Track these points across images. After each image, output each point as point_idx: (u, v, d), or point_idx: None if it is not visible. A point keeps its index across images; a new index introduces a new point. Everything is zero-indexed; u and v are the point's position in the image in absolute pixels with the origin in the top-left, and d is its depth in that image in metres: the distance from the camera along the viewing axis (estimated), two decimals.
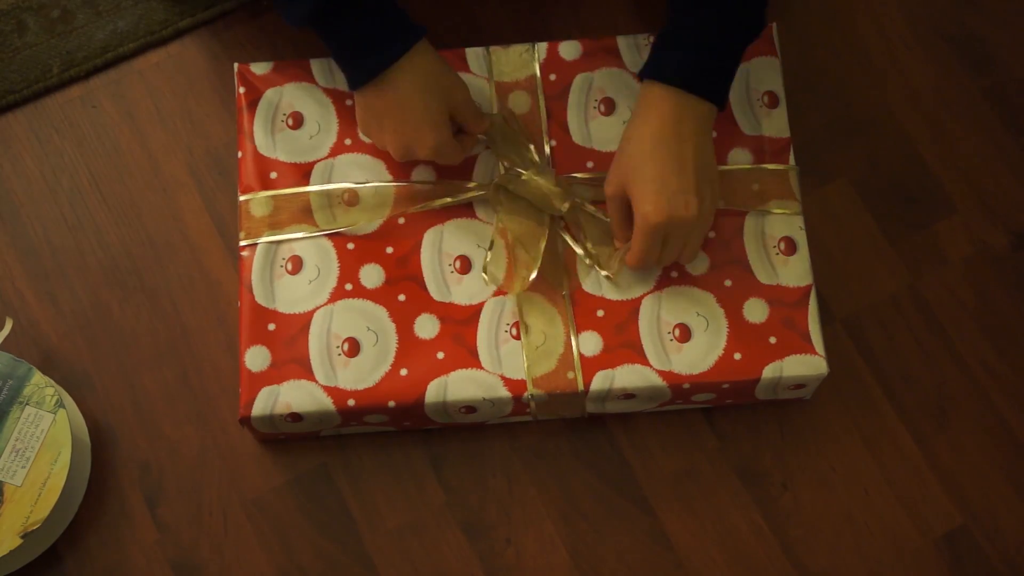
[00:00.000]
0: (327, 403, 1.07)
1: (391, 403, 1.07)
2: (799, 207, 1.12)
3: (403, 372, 1.08)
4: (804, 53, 1.26)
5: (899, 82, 1.25)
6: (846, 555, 1.12)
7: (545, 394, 1.08)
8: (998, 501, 1.13)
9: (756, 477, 1.14)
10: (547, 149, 1.13)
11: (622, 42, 1.17)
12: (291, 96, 1.16)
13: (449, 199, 1.11)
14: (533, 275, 1.08)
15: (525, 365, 1.08)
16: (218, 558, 1.12)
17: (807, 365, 1.08)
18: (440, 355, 1.08)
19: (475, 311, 1.10)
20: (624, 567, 1.12)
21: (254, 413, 1.07)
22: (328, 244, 1.12)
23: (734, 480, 1.14)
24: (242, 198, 1.13)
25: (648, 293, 1.10)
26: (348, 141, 1.14)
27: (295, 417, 1.08)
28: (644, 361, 1.08)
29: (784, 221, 1.12)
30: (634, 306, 1.10)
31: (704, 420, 1.15)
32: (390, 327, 1.09)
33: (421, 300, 1.10)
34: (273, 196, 1.13)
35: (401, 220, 1.12)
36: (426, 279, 1.11)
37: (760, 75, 1.16)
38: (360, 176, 1.13)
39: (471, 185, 1.12)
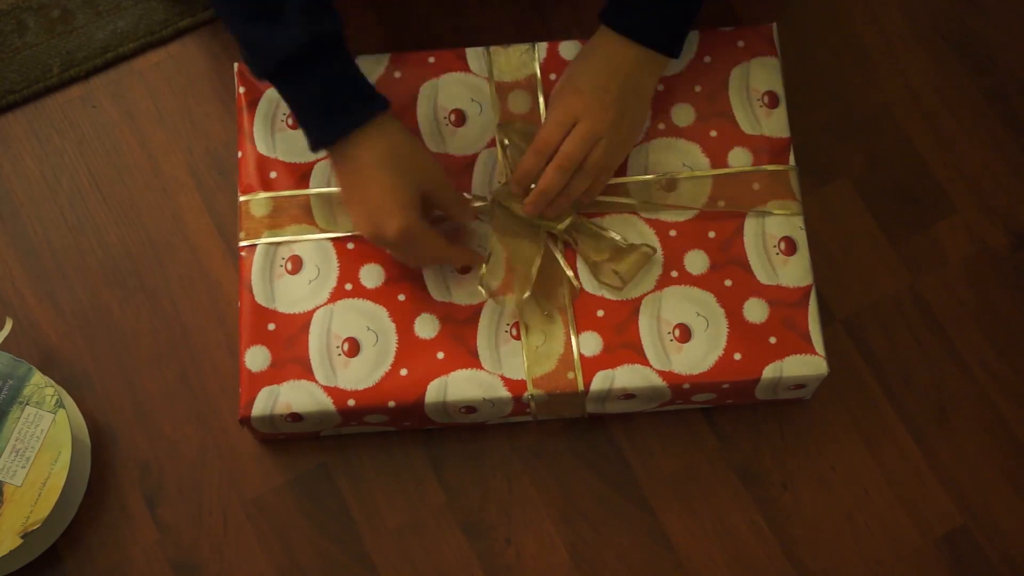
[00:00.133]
0: (327, 403, 1.07)
1: (391, 403, 1.07)
2: (799, 207, 1.12)
3: (403, 372, 1.08)
4: (804, 53, 1.26)
5: (899, 82, 1.25)
6: (846, 555, 1.12)
7: (545, 394, 1.08)
8: (998, 501, 1.13)
9: (756, 477, 1.14)
10: None
11: None
12: None
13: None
14: (526, 294, 1.08)
15: (525, 365, 1.08)
16: (218, 558, 1.12)
17: (807, 365, 1.08)
18: (440, 355, 1.08)
19: (475, 311, 1.10)
20: (624, 567, 1.12)
21: (254, 413, 1.07)
22: (328, 244, 1.12)
23: (734, 480, 1.14)
24: (242, 198, 1.13)
25: (648, 293, 1.10)
26: None
27: (295, 417, 1.08)
28: (644, 361, 1.08)
29: (784, 221, 1.12)
30: (634, 306, 1.10)
31: (704, 420, 1.15)
32: (390, 327, 1.09)
33: (421, 300, 1.10)
34: (273, 196, 1.13)
35: None
36: (426, 279, 1.11)
37: (760, 75, 1.16)
38: None
39: (467, 197, 1.12)
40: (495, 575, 1.11)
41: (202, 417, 1.15)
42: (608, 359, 1.08)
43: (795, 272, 1.11)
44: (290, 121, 1.15)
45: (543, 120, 1.13)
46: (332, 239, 1.12)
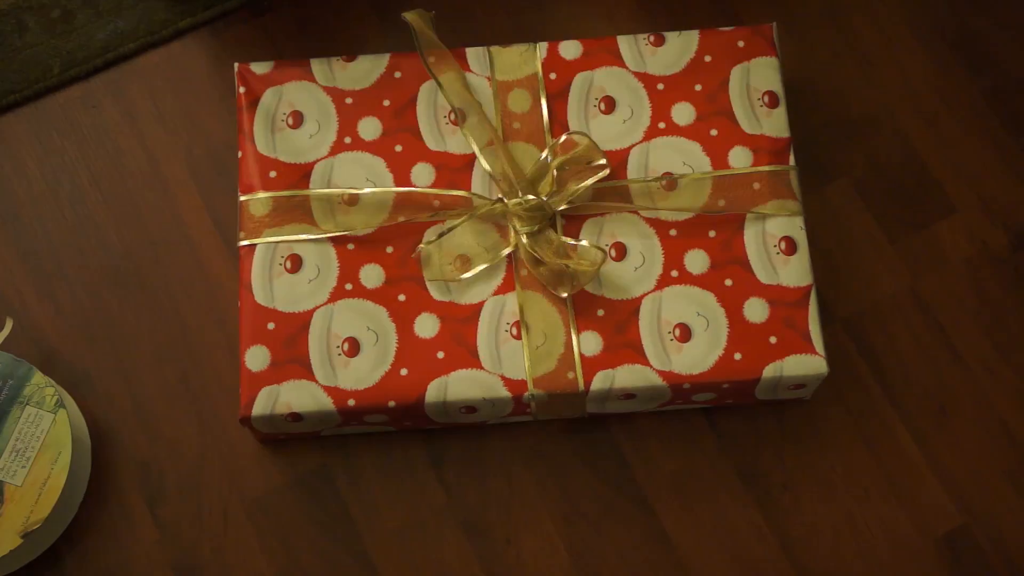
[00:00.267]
0: (327, 403, 1.07)
1: (391, 403, 1.08)
2: (799, 207, 1.12)
3: (403, 372, 1.08)
4: (804, 53, 1.26)
5: (899, 82, 1.25)
6: (846, 555, 1.12)
7: (545, 394, 1.08)
8: (998, 501, 1.13)
9: (756, 477, 1.14)
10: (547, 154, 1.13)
11: (622, 42, 1.17)
12: (291, 96, 1.16)
13: (446, 218, 1.11)
14: (477, 269, 1.09)
15: (525, 365, 1.08)
16: (218, 558, 1.12)
17: (807, 365, 1.08)
18: (440, 355, 1.08)
19: (475, 311, 1.10)
20: (624, 567, 1.12)
21: (254, 413, 1.07)
22: (328, 244, 1.12)
23: (734, 480, 1.14)
24: (242, 198, 1.13)
25: (648, 293, 1.10)
26: (348, 139, 1.14)
27: (295, 417, 1.08)
28: (644, 361, 1.08)
29: (784, 221, 1.12)
30: (634, 306, 1.10)
31: (704, 420, 1.15)
32: (390, 327, 1.09)
33: (421, 300, 1.10)
34: (273, 196, 1.13)
35: (401, 218, 1.12)
36: (426, 279, 1.11)
37: (760, 75, 1.16)
38: (360, 174, 1.13)
39: (464, 195, 1.11)
40: (495, 575, 1.11)
41: (202, 417, 1.15)
42: (608, 359, 1.08)
43: (795, 272, 1.11)
44: (290, 121, 1.15)
45: (542, 121, 1.14)
46: (332, 239, 1.12)
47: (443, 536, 1.12)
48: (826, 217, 1.21)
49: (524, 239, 1.10)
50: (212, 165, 1.22)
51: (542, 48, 1.17)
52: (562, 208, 1.11)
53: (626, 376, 1.08)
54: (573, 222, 1.12)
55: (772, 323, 1.09)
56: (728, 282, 1.11)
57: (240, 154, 1.15)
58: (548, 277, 1.09)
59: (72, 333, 1.17)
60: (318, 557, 1.12)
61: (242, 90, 1.16)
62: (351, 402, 1.07)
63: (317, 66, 1.17)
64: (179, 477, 1.14)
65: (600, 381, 1.08)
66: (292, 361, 1.08)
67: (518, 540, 1.12)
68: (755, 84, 1.16)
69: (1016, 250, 1.20)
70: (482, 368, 1.08)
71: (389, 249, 1.12)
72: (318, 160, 1.14)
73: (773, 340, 1.09)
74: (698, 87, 1.16)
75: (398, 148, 1.14)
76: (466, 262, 1.10)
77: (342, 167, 1.13)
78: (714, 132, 1.14)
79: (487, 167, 1.11)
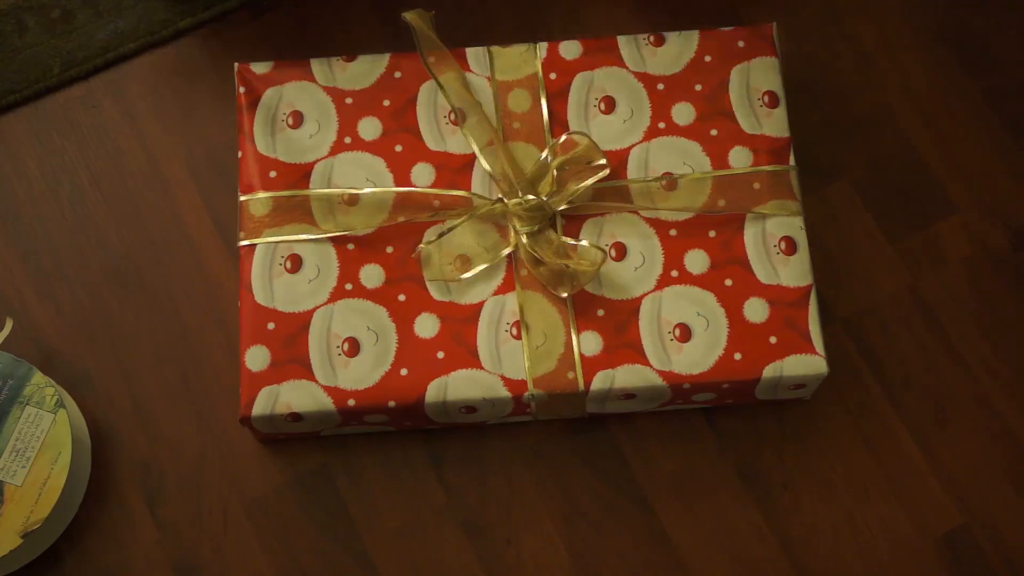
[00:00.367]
0: (327, 403, 1.07)
1: (391, 403, 1.07)
2: (799, 207, 1.12)
3: (403, 372, 1.08)
4: (804, 53, 1.26)
5: (899, 82, 1.25)
6: (846, 555, 1.12)
7: (545, 394, 1.08)
8: (998, 501, 1.13)
9: (756, 477, 1.14)
10: (547, 154, 1.13)
11: (622, 42, 1.17)
12: (291, 96, 1.16)
13: (446, 218, 1.11)
14: (477, 269, 1.09)
15: (525, 365, 1.08)
16: (218, 558, 1.12)
17: (807, 365, 1.08)
18: (440, 355, 1.08)
19: (475, 311, 1.10)
20: (624, 567, 1.12)
21: (254, 413, 1.07)
22: (328, 244, 1.12)
23: (734, 480, 1.14)
24: (242, 198, 1.13)
25: (648, 293, 1.10)
26: (348, 139, 1.14)
27: (295, 417, 1.08)
28: (644, 361, 1.08)
29: (784, 221, 1.12)
30: (634, 306, 1.10)
31: (704, 420, 1.15)
32: (390, 327, 1.09)
33: (421, 300, 1.10)
34: (273, 196, 1.13)
35: (401, 218, 1.12)
36: (426, 280, 1.11)
37: (760, 75, 1.16)
38: (360, 174, 1.13)
39: (464, 195, 1.11)
40: (495, 575, 1.11)
41: (202, 417, 1.15)
42: (608, 359, 1.08)
43: (795, 272, 1.11)
44: (290, 121, 1.15)
45: (542, 120, 1.14)
46: (332, 239, 1.12)
47: (443, 536, 1.12)
48: (826, 217, 1.21)
49: (524, 239, 1.10)
50: (212, 165, 1.22)
51: (542, 48, 1.17)
52: (562, 208, 1.11)
53: (626, 376, 1.08)
54: (573, 222, 1.12)
55: (772, 323, 1.09)
56: (728, 282, 1.11)
57: (240, 154, 1.15)
58: (548, 277, 1.09)
59: (72, 333, 1.17)
60: (318, 557, 1.12)
61: (242, 90, 1.16)
62: (351, 402, 1.07)
63: (317, 66, 1.17)
64: (179, 477, 1.14)
65: (600, 381, 1.08)
66: (292, 361, 1.08)
67: (518, 540, 1.12)
68: (755, 84, 1.16)
69: (1016, 250, 1.20)
70: (482, 368, 1.08)
71: (389, 249, 1.12)
72: (318, 160, 1.14)
73: (773, 340, 1.09)
74: (698, 87, 1.16)
75: (398, 148, 1.14)
76: (466, 262, 1.10)
77: (342, 167, 1.13)
78: (714, 132, 1.14)
79: (487, 167, 1.11)
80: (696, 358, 1.08)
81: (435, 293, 1.10)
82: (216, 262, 1.19)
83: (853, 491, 1.13)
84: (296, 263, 1.11)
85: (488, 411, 1.10)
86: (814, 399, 1.16)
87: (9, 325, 1.13)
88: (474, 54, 1.17)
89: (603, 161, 1.11)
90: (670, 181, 1.13)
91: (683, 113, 1.15)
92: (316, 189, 1.13)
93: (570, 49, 1.17)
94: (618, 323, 1.09)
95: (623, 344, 1.09)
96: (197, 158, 1.22)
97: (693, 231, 1.12)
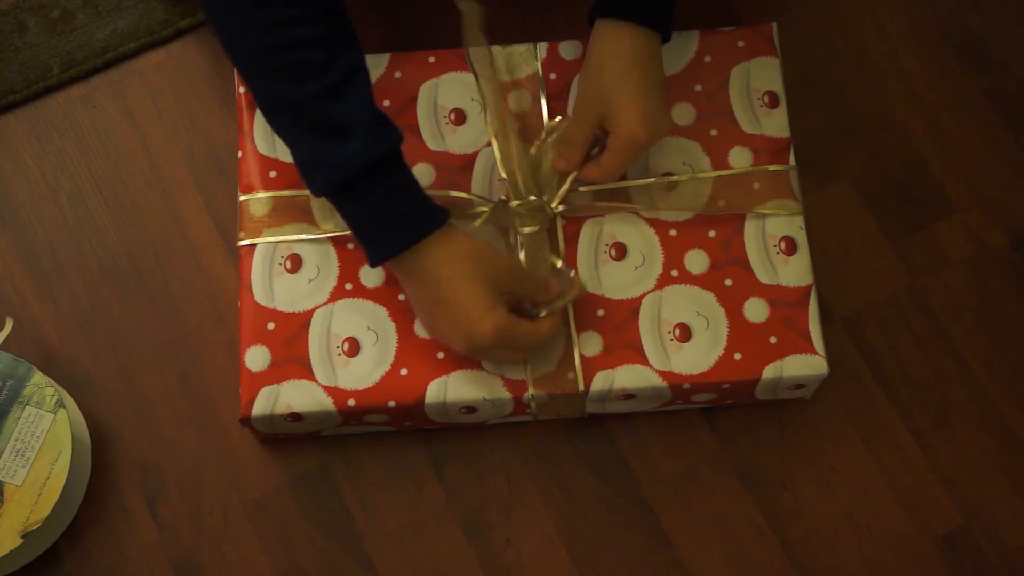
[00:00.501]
0: (327, 403, 1.07)
1: (391, 403, 1.07)
2: (799, 207, 1.12)
3: (403, 372, 1.08)
4: (804, 53, 1.26)
5: (899, 82, 1.25)
6: (846, 555, 1.12)
7: (546, 394, 1.08)
8: (998, 501, 1.13)
9: (756, 477, 1.14)
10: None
11: None
12: None
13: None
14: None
15: (526, 365, 1.08)
16: (218, 558, 1.12)
17: (807, 365, 1.08)
18: (440, 355, 1.08)
19: None
20: (624, 567, 1.12)
21: (254, 413, 1.07)
22: (328, 244, 1.12)
23: (734, 480, 1.14)
24: (242, 198, 1.13)
25: (648, 293, 1.10)
26: None
27: (295, 417, 1.08)
28: (644, 361, 1.08)
29: (784, 221, 1.12)
30: (634, 306, 1.10)
31: (704, 420, 1.15)
32: (390, 327, 1.09)
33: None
34: (273, 196, 1.13)
35: None
36: None
37: (760, 75, 1.16)
38: None
39: (466, 196, 1.11)
40: (495, 575, 1.11)
41: (202, 417, 1.15)
42: (608, 359, 1.08)
43: (795, 272, 1.11)
44: None
45: (542, 120, 1.14)
46: (332, 239, 1.12)
47: (443, 536, 1.12)
48: (826, 217, 1.21)
49: (524, 239, 1.10)
50: (212, 165, 1.22)
51: (542, 48, 1.17)
52: (561, 210, 1.11)
53: (626, 376, 1.08)
54: (573, 222, 1.12)
55: (772, 323, 1.09)
56: (728, 282, 1.10)
57: (240, 154, 1.14)
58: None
59: (72, 333, 1.17)
60: (318, 557, 1.12)
61: (242, 90, 1.16)
62: (351, 402, 1.07)
63: None
64: (179, 477, 1.14)
65: (600, 381, 1.08)
66: (292, 361, 1.08)
67: (518, 540, 1.12)
68: (755, 84, 1.16)
69: (1016, 250, 1.20)
70: (482, 368, 1.08)
71: None
72: None
73: (773, 340, 1.09)
74: (698, 87, 1.16)
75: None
76: None
77: None
78: (714, 132, 1.14)
79: (499, 162, 1.11)
80: (696, 358, 1.08)
81: None
82: (216, 262, 1.19)
83: (853, 491, 1.13)
84: (296, 263, 1.11)
85: (488, 411, 1.10)
86: (814, 399, 1.16)
87: (9, 325, 1.13)
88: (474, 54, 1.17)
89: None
90: (670, 181, 1.13)
91: (683, 113, 1.15)
92: None
93: (570, 49, 1.17)
94: (618, 323, 1.09)
95: (623, 344, 1.09)
96: (197, 158, 1.22)
97: (693, 231, 1.12)
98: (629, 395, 1.09)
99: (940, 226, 1.21)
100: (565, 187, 1.10)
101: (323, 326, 1.09)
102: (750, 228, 1.12)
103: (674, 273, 1.11)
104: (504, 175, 1.10)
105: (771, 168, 1.13)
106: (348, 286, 1.10)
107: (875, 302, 1.19)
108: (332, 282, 1.11)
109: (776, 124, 1.15)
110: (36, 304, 1.18)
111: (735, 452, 1.14)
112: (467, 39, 1.08)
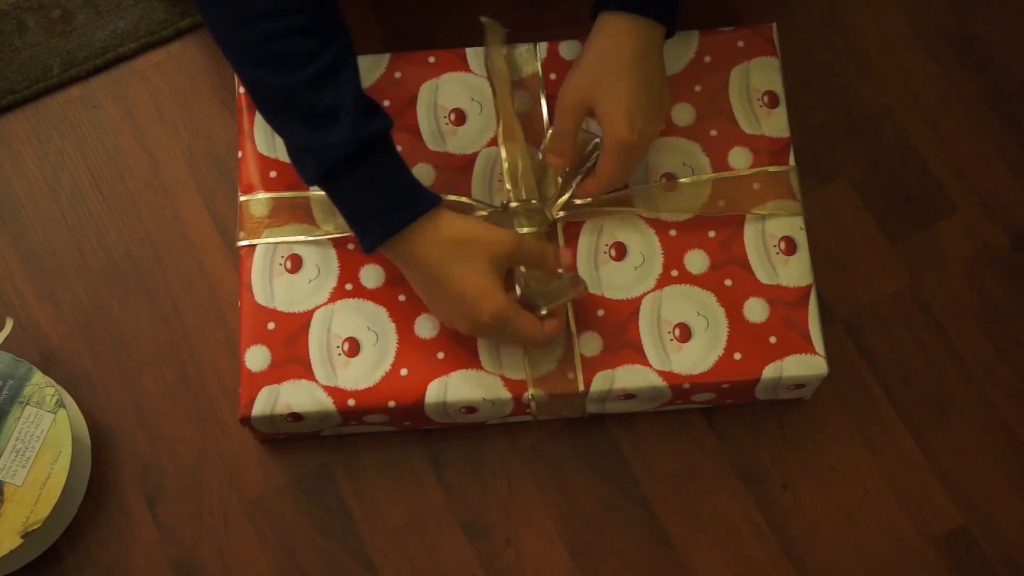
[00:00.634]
0: (327, 403, 1.07)
1: (391, 403, 1.07)
2: (799, 207, 1.12)
3: (403, 372, 1.08)
4: (804, 53, 1.26)
5: (899, 82, 1.25)
6: (846, 555, 1.12)
7: (545, 394, 1.08)
8: (998, 501, 1.13)
9: (756, 477, 1.14)
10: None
11: None
12: None
13: None
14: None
15: (525, 365, 1.08)
16: (218, 558, 1.12)
17: (807, 365, 1.08)
18: (440, 355, 1.08)
19: None
20: (624, 567, 1.12)
21: (254, 413, 1.07)
22: (328, 244, 1.12)
23: (734, 480, 1.14)
24: (242, 198, 1.13)
25: (648, 293, 1.10)
26: None
27: (295, 417, 1.08)
28: (644, 361, 1.08)
29: (784, 221, 1.12)
30: (634, 306, 1.10)
31: (704, 420, 1.15)
32: (390, 327, 1.09)
33: (421, 300, 1.10)
34: (273, 196, 1.13)
35: None
36: None
37: (760, 75, 1.16)
38: None
39: (466, 201, 1.11)
40: (495, 575, 1.11)
41: (202, 417, 1.15)
42: (608, 359, 1.08)
43: (795, 272, 1.11)
44: None
45: (543, 120, 1.14)
46: (332, 239, 1.12)
47: (443, 536, 1.12)
48: (826, 217, 1.21)
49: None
50: (212, 165, 1.22)
51: (542, 48, 1.17)
52: (562, 215, 1.11)
53: (626, 376, 1.08)
54: (573, 223, 1.12)
55: (772, 323, 1.09)
56: (728, 282, 1.10)
57: (240, 154, 1.14)
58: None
59: (72, 333, 1.17)
60: (318, 557, 1.12)
61: (242, 90, 1.16)
62: (351, 402, 1.07)
63: None
64: (179, 477, 1.14)
65: (600, 381, 1.08)
66: (292, 361, 1.08)
67: (518, 540, 1.12)
68: (755, 84, 1.16)
69: (1016, 250, 1.20)
70: (482, 368, 1.08)
71: None
72: None
73: (773, 340, 1.09)
74: (698, 88, 1.16)
75: (398, 148, 1.14)
76: None
77: None
78: (714, 132, 1.14)
79: (505, 164, 1.11)
80: (696, 358, 1.08)
81: None
82: (216, 262, 1.19)
83: (853, 491, 1.13)
84: (296, 263, 1.11)
85: (488, 411, 1.10)
86: (814, 399, 1.16)
87: (9, 325, 1.13)
88: (474, 54, 1.17)
89: (597, 140, 1.11)
90: (670, 181, 1.13)
91: (683, 113, 1.15)
92: (316, 190, 1.13)
93: (570, 49, 1.17)
94: (618, 323, 1.09)
95: (623, 344, 1.09)
96: (197, 158, 1.22)
97: (693, 231, 1.12)
98: (629, 395, 1.09)
99: (940, 226, 1.21)
100: (565, 198, 1.10)
101: (323, 326, 1.09)
102: (750, 228, 1.12)
103: (674, 273, 1.11)
104: (508, 184, 1.10)
105: (771, 168, 1.13)
106: (348, 286, 1.10)
107: (875, 302, 1.19)
108: (332, 282, 1.11)
109: (776, 124, 1.15)
110: (36, 304, 1.18)
111: (735, 452, 1.14)
112: (489, 56, 1.09)
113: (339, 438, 1.14)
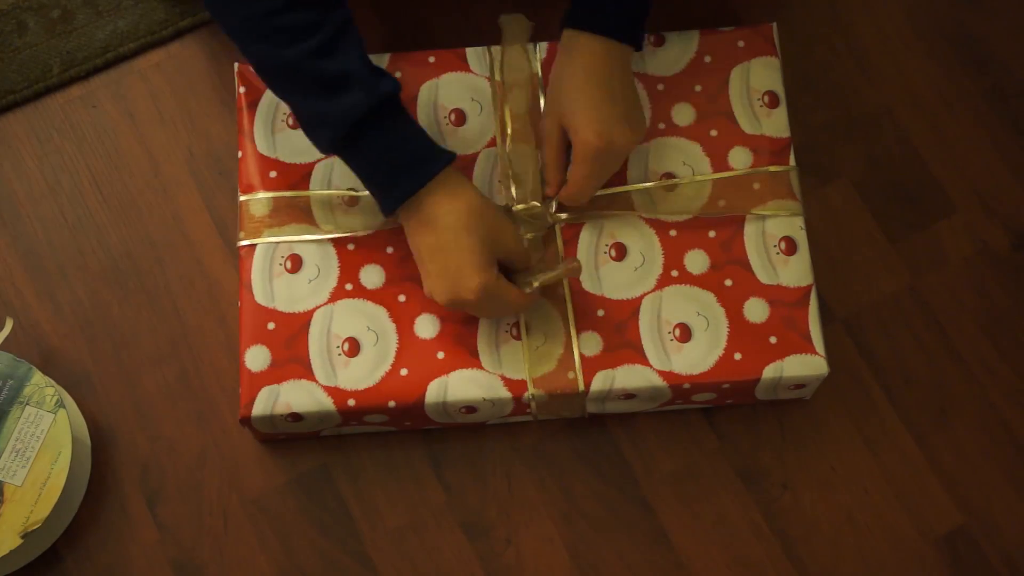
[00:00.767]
0: (327, 403, 1.07)
1: (391, 403, 1.07)
2: (799, 207, 1.12)
3: (403, 372, 1.08)
4: (804, 53, 1.26)
5: (899, 82, 1.25)
6: (846, 555, 1.12)
7: (545, 394, 1.08)
8: (998, 501, 1.13)
9: (756, 477, 1.14)
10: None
11: None
12: None
13: None
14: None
15: (525, 365, 1.08)
16: (218, 558, 1.12)
17: (807, 365, 1.08)
18: (440, 355, 1.08)
19: None
20: (624, 567, 1.12)
21: (254, 413, 1.07)
22: (328, 244, 1.12)
23: (734, 480, 1.14)
24: (242, 198, 1.13)
25: (648, 293, 1.10)
26: None
27: (295, 417, 1.08)
28: (644, 361, 1.08)
29: (784, 221, 1.12)
30: (634, 306, 1.10)
31: (704, 420, 1.15)
32: (390, 327, 1.09)
33: (421, 300, 1.10)
34: (273, 196, 1.13)
35: None
36: None
37: (760, 75, 1.16)
38: None
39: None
40: (495, 575, 1.11)
41: (202, 417, 1.15)
42: (608, 359, 1.08)
43: (795, 272, 1.11)
44: (290, 121, 1.15)
45: (548, 143, 1.13)
46: (332, 239, 1.12)
47: (443, 536, 1.12)
48: (826, 217, 1.21)
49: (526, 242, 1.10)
50: (212, 165, 1.22)
51: (542, 48, 1.17)
52: (564, 218, 1.11)
53: (626, 376, 1.08)
54: (574, 223, 1.12)
55: (772, 323, 1.09)
56: (728, 282, 1.10)
57: (240, 154, 1.14)
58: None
59: (72, 333, 1.17)
60: (318, 557, 1.12)
61: (242, 90, 1.16)
62: (351, 402, 1.07)
63: None
64: (179, 477, 1.14)
65: (600, 381, 1.08)
66: (292, 361, 1.08)
67: (518, 540, 1.12)
68: (755, 84, 1.16)
69: (1016, 250, 1.20)
70: (482, 368, 1.08)
71: (389, 249, 1.12)
72: (318, 160, 1.14)
73: (773, 340, 1.09)
74: (698, 88, 1.16)
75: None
76: None
77: (343, 167, 1.13)
78: (714, 133, 1.14)
79: (512, 166, 1.11)
80: (696, 358, 1.08)
81: None
82: (216, 262, 1.19)
83: (853, 491, 1.13)
84: (296, 263, 1.11)
85: (488, 411, 1.10)
86: (814, 399, 1.16)
87: (9, 325, 1.13)
88: (474, 54, 1.17)
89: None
90: (670, 183, 1.13)
91: (683, 113, 1.15)
92: (316, 190, 1.13)
93: None
94: (618, 323, 1.09)
95: (623, 344, 1.09)
96: (197, 158, 1.22)
97: (693, 231, 1.12)
98: (629, 395, 1.09)
99: (940, 226, 1.21)
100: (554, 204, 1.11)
101: (323, 326, 1.09)
102: (750, 228, 1.12)
103: (674, 273, 1.11)
104: (514, 186, 1.10)
105: (771, 168, 1.13)
106: (348, 286, 1.10)
107: (875, 302, 1.19)
108: (332, 282, 1.11)
109: (776, 124, 1.15)
110: (36, 304, 1.18)
111: (735, 452, 1.14)
112: (506, 54, 1.12)
113: (339, 438, 1.14)
